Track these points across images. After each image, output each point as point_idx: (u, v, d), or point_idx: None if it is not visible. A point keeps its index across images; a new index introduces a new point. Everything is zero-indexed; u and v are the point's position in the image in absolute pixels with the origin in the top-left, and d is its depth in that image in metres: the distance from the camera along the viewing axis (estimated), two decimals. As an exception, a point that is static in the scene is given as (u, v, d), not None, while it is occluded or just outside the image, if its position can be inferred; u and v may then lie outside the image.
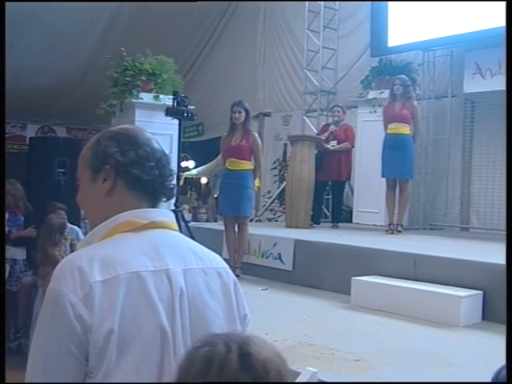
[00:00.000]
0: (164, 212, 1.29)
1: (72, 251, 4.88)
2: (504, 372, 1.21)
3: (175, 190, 1.33)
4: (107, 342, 1.07)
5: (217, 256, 1.33)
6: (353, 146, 7.35)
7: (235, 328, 1.22)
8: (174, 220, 1.31)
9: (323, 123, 8.32)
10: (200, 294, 1.20)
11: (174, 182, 1.33)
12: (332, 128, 7.31)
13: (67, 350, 1.06)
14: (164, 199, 1.31)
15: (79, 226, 6.18)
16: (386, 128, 6.45)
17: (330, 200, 7.97)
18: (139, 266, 1.15)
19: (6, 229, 5.67)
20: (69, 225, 5.27)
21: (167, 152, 1.35)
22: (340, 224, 7.30)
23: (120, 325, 1.08)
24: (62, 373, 1.06)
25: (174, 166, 1.37)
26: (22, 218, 5.92)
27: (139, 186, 1.25)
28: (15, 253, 5.63)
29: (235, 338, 0.97)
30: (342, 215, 7.80)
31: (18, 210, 5.93)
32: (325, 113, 8.97)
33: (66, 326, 1.06)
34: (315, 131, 8.27)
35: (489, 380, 1.20)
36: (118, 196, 1.25)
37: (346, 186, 7.99)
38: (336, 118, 7.38)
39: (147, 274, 1.15)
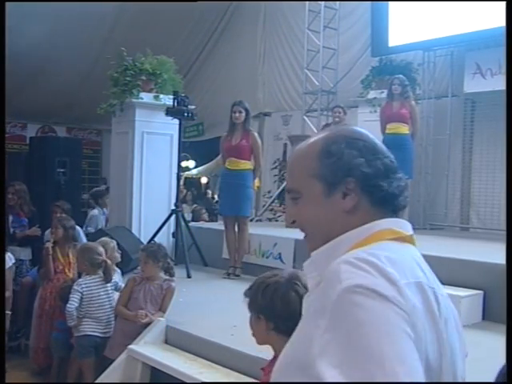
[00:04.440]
0: (409, 224, 1.15)
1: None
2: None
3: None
4: None
5: None
6: None
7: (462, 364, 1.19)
8: None
9: (323, 123, 8.31)
10: (451, 324, 1.09)
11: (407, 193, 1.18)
12: None
13: (408, 334, 0.93)
14: (399, 214, 1.15)
15: (80, 226, 6.19)
16: (383, 128, 6.46)
17: None
18: (419, 276, 1.03)
19: (11, 230, 5.68)
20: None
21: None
22: (400, 225, 7.27)
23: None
24: (415, 356, 0.92)
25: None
26: (26, 219, 5.93)
27: (385, 201, 1.11)
28: (21, 253, 5.63)
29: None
30: None
31: (22, 212, 5.93)
32: (325, 113, 8.97)
33: (399, 315, 0.93)
34: (315, 131, 8.27)
35: (489, 380, 1.20)
36: (361, 213, 1.09)
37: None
38: (337, 119, 7.38)
39: (425, 285, 1.02)
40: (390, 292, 0.93)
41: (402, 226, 1.12)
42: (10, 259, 4.92)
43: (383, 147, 1.16)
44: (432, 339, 0.98)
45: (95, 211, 7.30)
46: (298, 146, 1.19)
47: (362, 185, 1.09)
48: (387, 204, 1.11)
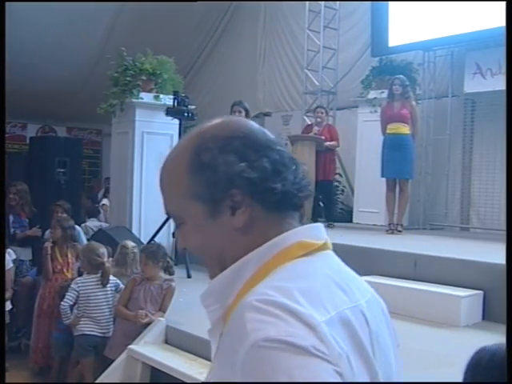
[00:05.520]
0: (322, 227, 0.96)
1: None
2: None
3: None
4: None
5: None
6: (338, 146, 7.35)
7: (397, 358, 0.99)
8: None
9: (306, 124, 8.27)
10: (381, 329, 0.92)
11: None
12: (315, 129, 7.30)
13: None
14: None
15: (80, 226, 6.19)
16: (383, 129, 6.46)
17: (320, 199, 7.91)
18: (341, 303, 0.85)
19: (11, 230, 5.68)
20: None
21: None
22: (340, 224, 7.29)
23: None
24: None
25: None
26: (27, 220, 5.93)
27: (282, 203, 0.91)
28: (21, 253, 5.63)
29: None
30: (335, 213, 7.78)
31: (23, 213, 5.93)
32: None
33: (323, 369, 0.76)
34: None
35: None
36: (258, 225, 0.90)
37: (347, 185, 7.96)
38: (319, 119, 7.37)
39: (349, 312, 0.85)
40: (310, 341, 0.75)
41: (312, 233, 0.93)
42: (10, 256, 4.93)
43: (267, 137, 0.94)
44: (363, 376, 0.82)
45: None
46: (165, 158, 0.97)
47: (250, 193, 0.88)
48: (285, 205, 0.92)
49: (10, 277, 4.88)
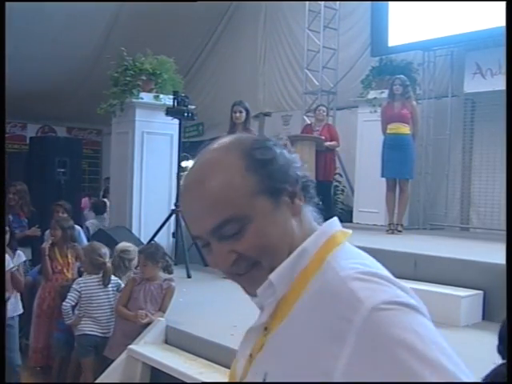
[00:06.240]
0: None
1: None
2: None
3: None
4: None
5: None
6: (338, 145, 7.36)
7: None
8: None
9: (305, 123, 8.28)
10: None
11: None
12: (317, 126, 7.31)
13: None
14: None
15: (81, 226, 6.19)
16: (384, 129, 6.46)
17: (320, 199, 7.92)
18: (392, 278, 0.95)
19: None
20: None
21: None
22: (340, 224, 7.28)
23: None
24: None
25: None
26: (26, 220, 5.93)
27: (310, 192, 1.03)
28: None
29: None
30: (335, 213, 7.79)
31: (22, 213, 5.93)
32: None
33: (429, 321, 0.86)
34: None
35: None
36: (303, 212, 1.00)
37: (347, 185, 7.95)
38: (320, 117, 7.38)
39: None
40: (410, 300, 0.84)
41: (339, 224, 1.04)
42: (20, 257, 4.90)
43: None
44: None
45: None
46: (199, 176, 0.99)
47: (299, 181, 0.99)
48: (309, 194, 1.02)
49: (9, 277, 4.86)
